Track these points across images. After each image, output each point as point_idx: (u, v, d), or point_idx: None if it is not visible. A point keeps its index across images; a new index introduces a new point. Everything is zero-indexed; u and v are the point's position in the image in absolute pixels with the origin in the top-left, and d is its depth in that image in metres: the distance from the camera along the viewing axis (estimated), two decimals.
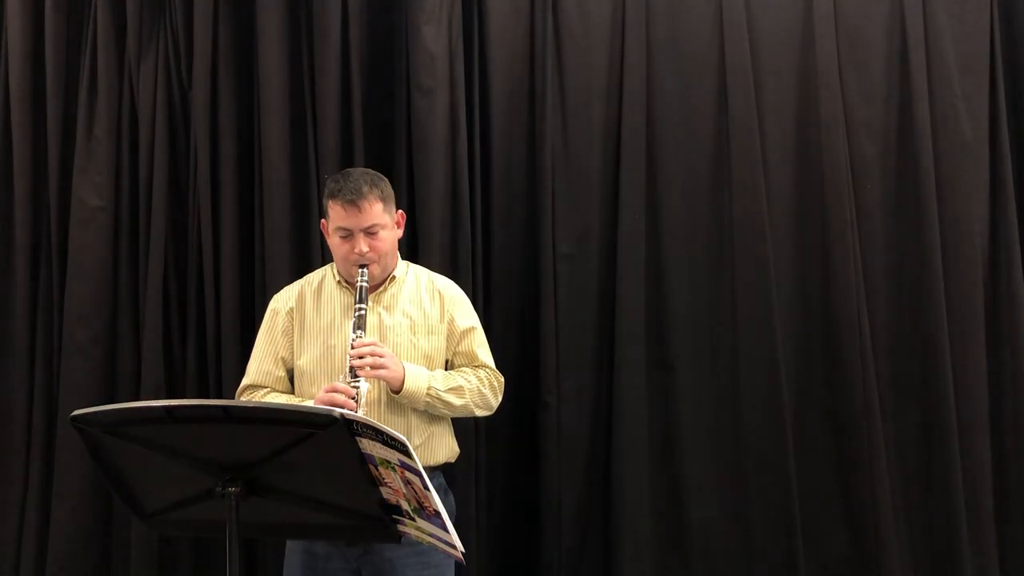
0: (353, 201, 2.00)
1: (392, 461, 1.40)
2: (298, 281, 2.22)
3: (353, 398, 1.87)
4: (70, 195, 2.75)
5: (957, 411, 2.71)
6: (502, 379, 2.19)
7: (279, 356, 2.13)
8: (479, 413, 2.14)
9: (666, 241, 2.78)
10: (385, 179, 2.12)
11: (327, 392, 1.89)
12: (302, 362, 2.09)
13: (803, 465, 2.73)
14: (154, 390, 2.65)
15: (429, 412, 2.06)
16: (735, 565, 2.72)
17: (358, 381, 1.91)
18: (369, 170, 2.14)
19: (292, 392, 2.14)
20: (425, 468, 2.02)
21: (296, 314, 2.13)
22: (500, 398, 2.19)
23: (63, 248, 2.75)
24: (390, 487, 1.44)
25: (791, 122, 2.83)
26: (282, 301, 2.18)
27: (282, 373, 2.13)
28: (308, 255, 2.70)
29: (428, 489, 1.40)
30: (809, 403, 2.78)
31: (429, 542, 1.52)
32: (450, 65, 2.70)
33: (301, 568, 2.04)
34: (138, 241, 2.75)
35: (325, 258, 2.68)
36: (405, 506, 1.45)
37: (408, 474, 1.40)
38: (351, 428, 1.36)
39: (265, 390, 2.12)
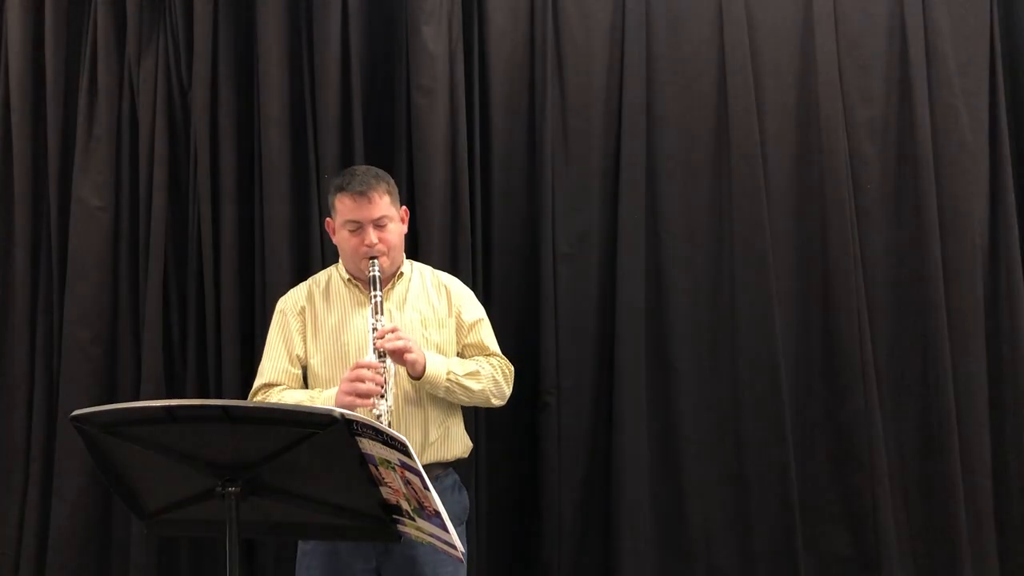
0: (363, 192, 2.03)
1: (392, 461, 1.40)
2: (304, 283, 2.23)
3: (381, 373, 1.89)
4: (70, 195, 2.75)
5: (957, 410, 2.71)
6: (512, 368, 2.20)
7: (294, 354, 2.12)
8: (495, 402, 2.15)
9: (666, 241, 2.78)
10: (389, 175, 2.15)
11: (355, 369, 1.90)
12: (315, 362, 2.10)
13: (803, 465, 2.73)
14: (154, 390, 2.65)
15: (446, 402, 2.07)
16: (735, 565, 2.72)
17: (384, 360, 1.92)
18: (372, 167, 2.17)
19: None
20: (440, 464, 2.06)
21: (308, 313, 2.14)
22: (511, 387, 2.20)
23: (63, 248, 2.75)
24: (390, 487, 1.44)
25: (791, 122, 2.83)
26: (291, 302, 2.18)
27: (298, 371, 2.13)
28: (308, 255, 2.70)
29: (428, 489, 1.40)
30: (809, 403, 2.78)
31: (429, 542, 1.52)
32: (450, 65, 2.70)
33: (321, 570, 2.02)
34: (138, 241, 2.75)
35: (326, 257, 2.68)
36: (405, 506, 1.45)
37: (408, 474, 1.40)
38: (351, 428, 1.36)
39: (281, 387, 2.12)
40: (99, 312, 2.72)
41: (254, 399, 2.13)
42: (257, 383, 2.14)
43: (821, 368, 2.78)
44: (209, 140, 2.71)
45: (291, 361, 2.12)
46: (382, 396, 1.88)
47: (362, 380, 1.88)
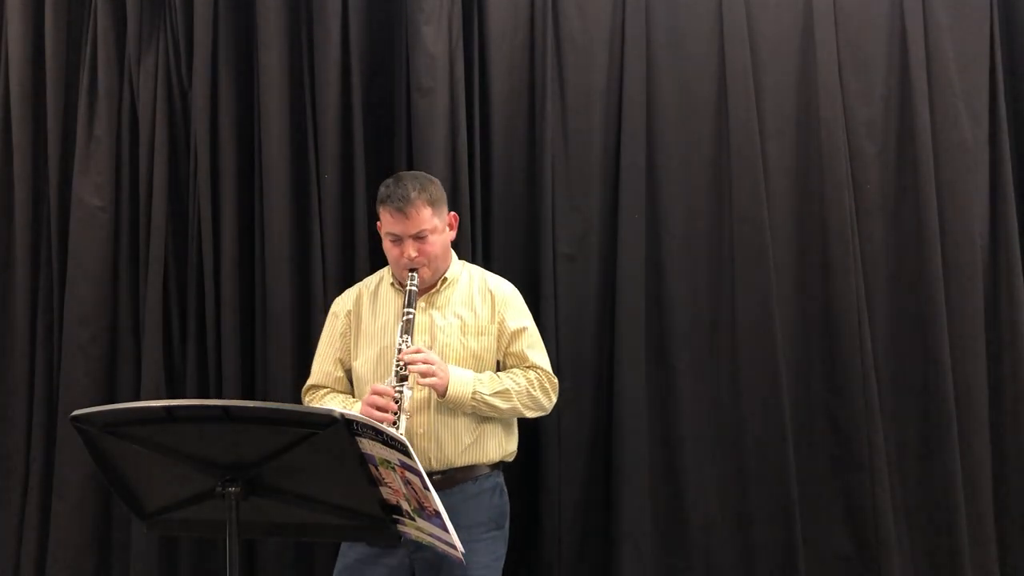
0: (400, 208, 2.03)
1: (392, 461, 1.40)
2: (357, 284, 2.27)
3: (396, 400, 1.90)
4: (70, 195, 2.75)
5: (957, 412, 2.71)
6: (555, 380, 2.19)
7: (337, 357, 2.18)
8: (530, 415, 2.15)
9: (666, 241, 2.78)
10: (435, 181, 2.14)
11: (371, 395, 1.93)
12: (357, 364, 2.14)
13: (803, 465, 2.73)
14: (154, 390, 2.65)
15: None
16: (735, 565, 2.72)
17: (402, 386, 1.92)
18: (420, 173, 2.17)
19: (351, 393, 2.18)
20: (476, 466, 2.07)
21: (353, 316, 2.18)
22: (555, 399, 2.19)
23: (63, 248, 2.75)
24: (390, 487, 1.44)
25: (791, 122, 2.83)
26: (341, 304, 2.23)
27: (341, 374, 2.18)
28: (308, 255, 2.70)
29: (428, 489, 1.40)
30: (809, 403, 2.78)
31: (429, 542, 1.52)
32: (450, 65, 2.70)
33: (355, 559, 2.05)
34: (138, 241, 2.75)
35: (326, 257, 2.69)
36: (405, 506, 1.46)
37: (408, 474, 1.40)
38: (351, 428, 1.36)
39: (325, 390, 2.18)
40: (99, 312, 2.72)
41: (304, 399, 2.21)
42: (307, 383, 2.24)
43: (821, 368, 2.77)
44: (209, 140, 2.71)
45: (334, 364, 2.18)
46: (394, 423, 1.88)
47: (375, 406, 1.90)
